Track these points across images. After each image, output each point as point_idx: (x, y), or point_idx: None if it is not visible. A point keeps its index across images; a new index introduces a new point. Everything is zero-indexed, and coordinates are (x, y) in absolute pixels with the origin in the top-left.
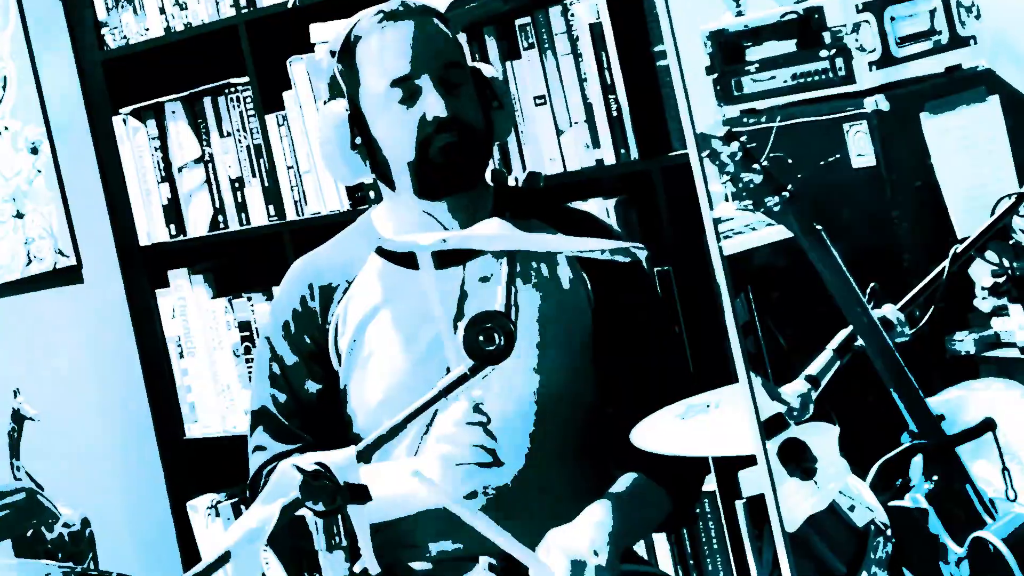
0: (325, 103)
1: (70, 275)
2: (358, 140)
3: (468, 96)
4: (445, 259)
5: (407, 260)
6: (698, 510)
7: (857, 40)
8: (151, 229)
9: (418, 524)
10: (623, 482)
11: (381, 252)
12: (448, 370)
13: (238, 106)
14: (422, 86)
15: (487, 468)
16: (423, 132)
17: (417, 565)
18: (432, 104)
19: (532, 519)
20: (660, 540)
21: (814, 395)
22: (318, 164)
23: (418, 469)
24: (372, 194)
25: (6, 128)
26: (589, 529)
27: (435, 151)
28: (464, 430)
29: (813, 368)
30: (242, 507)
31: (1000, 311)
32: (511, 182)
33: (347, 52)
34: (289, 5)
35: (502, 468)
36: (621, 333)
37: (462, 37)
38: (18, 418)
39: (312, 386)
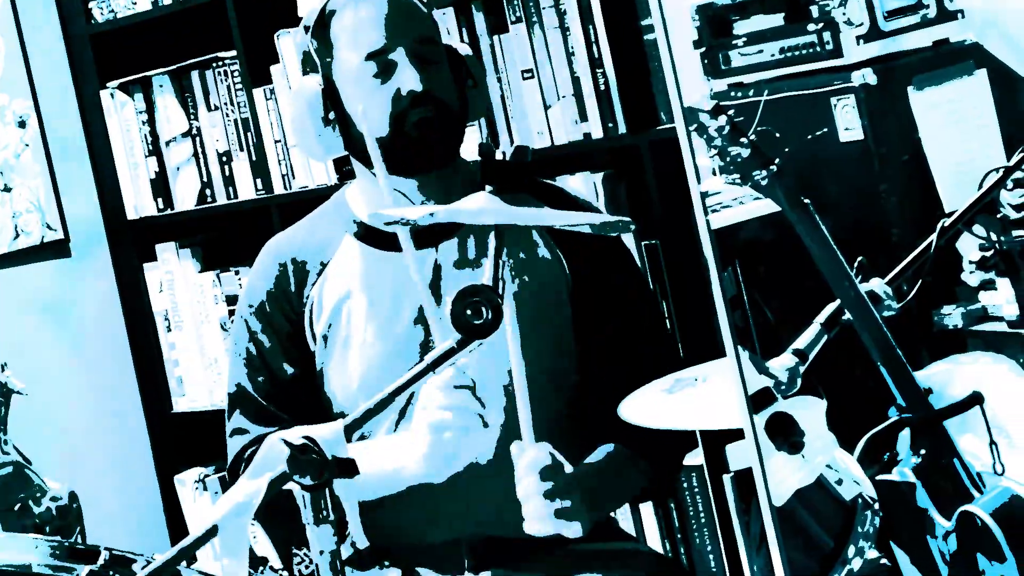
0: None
1: (57, 249)
2: (331, 115)
3: (443, 73)
4: (419, 240)
5: (384, 241)
6: (685, 483)
7: (845, 14)
8: (139, 203)
9: (401, 514)
10: (598, 453)
11: (358, 233)
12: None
13: (226, 80)
14: (397, 60)
15: (476, 434)
16: (397, 107)
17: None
18: (407, 78)
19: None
20: (648, 514)
21: (802, 369)
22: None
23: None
24: None
25: None
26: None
27: (410, 126)
28: (452, 394)
29: (801, 342)
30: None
31: (988, 285)
32: (499, 156)
33: (321, 27)
34: None
35: (488, 432)
36: (603, 309)
37: (449, 12)
38: (5, 392)
39: (289, 367)
